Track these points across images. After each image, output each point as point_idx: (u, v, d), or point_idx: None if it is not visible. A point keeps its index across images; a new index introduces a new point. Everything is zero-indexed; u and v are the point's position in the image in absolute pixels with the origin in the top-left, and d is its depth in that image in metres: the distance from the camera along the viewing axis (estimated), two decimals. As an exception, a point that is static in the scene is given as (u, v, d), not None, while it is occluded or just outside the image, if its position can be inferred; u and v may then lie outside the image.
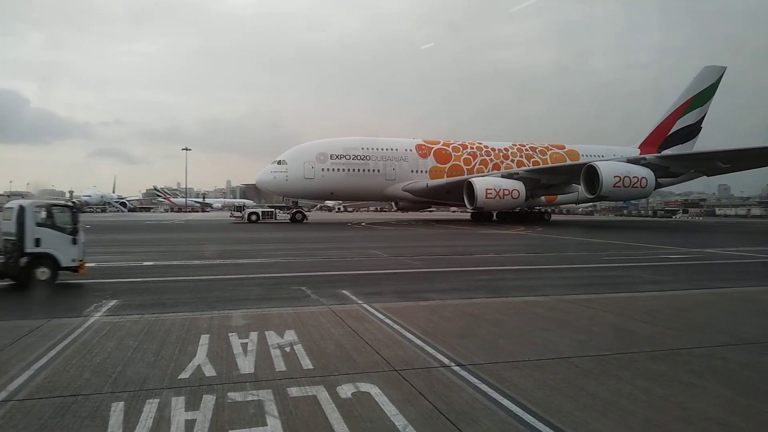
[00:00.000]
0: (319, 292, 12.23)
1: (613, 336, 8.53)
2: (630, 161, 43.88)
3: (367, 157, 50.61)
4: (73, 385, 5.94)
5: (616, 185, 40.73)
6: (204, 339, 7.88)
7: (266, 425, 4.94)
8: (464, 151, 55.04)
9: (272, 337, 7.98)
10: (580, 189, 44.88)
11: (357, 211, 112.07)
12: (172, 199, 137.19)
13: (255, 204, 75.67)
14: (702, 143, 62.98)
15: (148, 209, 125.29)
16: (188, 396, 5.62)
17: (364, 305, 10.60)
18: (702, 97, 61.86)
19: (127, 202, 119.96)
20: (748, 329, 9.18)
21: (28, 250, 12.04)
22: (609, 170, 41.13)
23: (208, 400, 5.50)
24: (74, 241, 12.62)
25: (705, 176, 53.13)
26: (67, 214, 13.04)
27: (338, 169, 49.38)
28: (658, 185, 49.80)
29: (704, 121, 63.08)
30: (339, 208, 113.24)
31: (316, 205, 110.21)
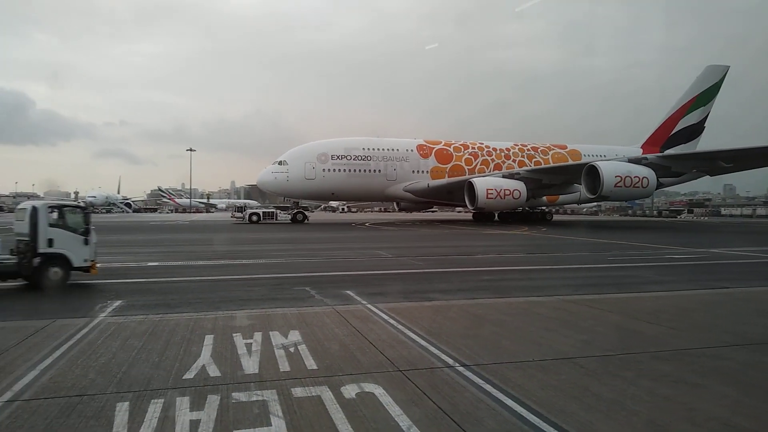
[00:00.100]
0: (323, 292, 12.24)
1: (617, 336, 8.52)
2: (631, 161, 43.72)
3: (368, 158, 50.57)
4: (78, 386, 5.96)
5: (617, 185, 40.60)
6: (208, 339, 7.90)
7: (270, 425, 4.95)
8: (465, 152, 54.96)
9: (276, 338, 7.99)
10: (582, 189, 44.75)
11: (361, 212, 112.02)
12: (176, 200, 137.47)
13: (259, 204, 75.79)
14: (710, 141, 62.76)
15: (153, 210, 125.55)
16: (193, 396, 5.64)
17: (368, 306, 10.61)
18: (705, 97, 61.61)
19: (131, 203, 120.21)
20: (753, 329, 9.15)
21: (40, 251, 12.17)
22: (610, 170, 41.00)
23: (213, 401, 5.51)
24: (86, 242, 12.75)
25: (708, 176, 52.92)
26: (79, 215, 13.18)
27: (339, 170, 49.35)
28: (659, 185, 49.61)
29: (708, 119, 62.88)
30: (343, 209, 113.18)
31: (320, 206, 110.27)
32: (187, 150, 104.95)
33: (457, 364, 6.79)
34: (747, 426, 5.08)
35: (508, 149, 57.22)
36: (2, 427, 4.93)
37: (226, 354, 7.18)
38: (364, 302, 10.97)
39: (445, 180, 51.67)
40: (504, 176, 49.00)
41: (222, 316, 9.59)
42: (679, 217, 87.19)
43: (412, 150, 52.67)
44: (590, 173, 41.68)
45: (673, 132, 62.00)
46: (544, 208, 60.15)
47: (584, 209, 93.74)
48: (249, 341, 7.78)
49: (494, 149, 56.49)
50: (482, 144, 56.76)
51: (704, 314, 10.63)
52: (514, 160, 56.22)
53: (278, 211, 54.12)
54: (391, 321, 9.23)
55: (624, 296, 12.44)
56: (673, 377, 6.40)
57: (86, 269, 12.77)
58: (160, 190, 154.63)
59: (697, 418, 5.22)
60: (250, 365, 6.71)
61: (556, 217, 65.93)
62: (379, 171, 50.77)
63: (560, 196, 54.72)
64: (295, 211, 52.04)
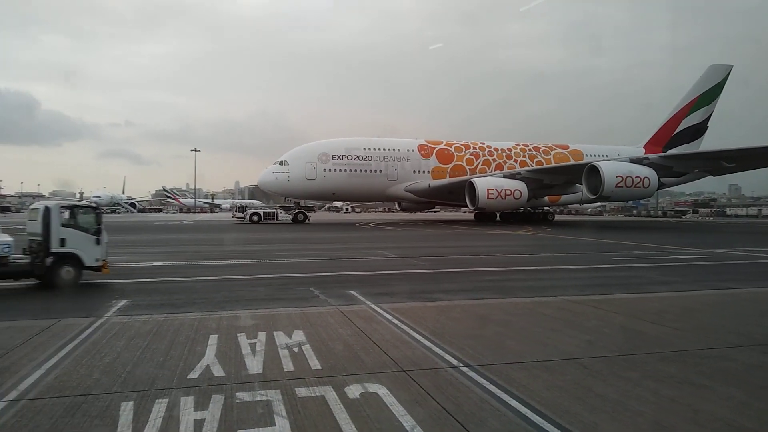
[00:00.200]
0: (327, 292, 12.25)
1: (622, 337, 8.49)
2: (633, 161, 43.59)
3: (369, 158, 50.52)
4: (83, 385, 5.98)
5: (618, 185, 40.49)
6: (213, 339, 7.91)
7: (275, 425, 4.95)
8: (467, 152, 54.87)
9: (280, 338, 8.00)
10: (583, 189, 44.64)
11: (365, 212, 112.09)
12: (181, 200, 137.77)
13: (263, 204, 75.93)
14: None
15: (158, 210, 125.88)
16: (197, 396, 5.65)
17: (372, 306, 10.61)
18: (708, 96, 61.32)
19: (136, 203, 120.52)
20: (758, 330, 9.11)
21: (53, 250, 12.31)
22: (611, 170, 40.89)
23: (217, 400, 5.52)
24: (98, 242, 12.89)
25: (711, 176, 52.77)
26: (91, 215, 13.31)
27: (340, 170, 49.33)
28: (661, 185, 49.46)
29: (714, 118, 62.62)
30: (347, 209, 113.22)
31: (324, 206, 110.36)
32: (192, 150, 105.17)
33: (461, 365, 6.79)
34: (752, 427, 5.06)
35: (509, 149, 57.11)
36: (8, 426, 4.96)
37: (230, 354, 7.19)
38: (368, 302, 10.98)
39: (446, 180, 51.61)
40: (505, 176, 48.90)
41: (226, 316, 9.60)
42: (683, 217, 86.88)
43: (413, 150, 52.62)
44: (591, 173, 41.59)
45: (676, 132, 61.75)
46: (548, 208, 60.06)
47: (588, 209, 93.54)
48: (253, 341, 7.79)
49: (495, 149, 56.40)
50: (483, 144, 56.68)
51: (709, 315, 10.59)
52: (515, 160, 56.09)
53: (279, 211, 54.16)
54: (395, 321, 9.23)
55: (629, 297, 12.40)
56: (678, 378, 6.38)
57: (98, 269, 12.91)
58: (164, 190, 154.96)
59: (702, 420, 5.20)
60: (255, 365, 6.72)
61: (560, 218, 65.79)
62: (380, 171, 50.73)
63: (562, 196, 54.61)
64: (296, 211, 52.04)
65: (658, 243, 28.78)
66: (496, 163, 55.21)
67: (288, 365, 6.73)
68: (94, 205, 15.22)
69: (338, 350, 7.47)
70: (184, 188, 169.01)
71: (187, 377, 6.27)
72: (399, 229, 44.04)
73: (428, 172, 52.25)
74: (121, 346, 7.64)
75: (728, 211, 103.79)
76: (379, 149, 51.36)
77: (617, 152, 56.20)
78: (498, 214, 54.37)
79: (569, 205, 74.29)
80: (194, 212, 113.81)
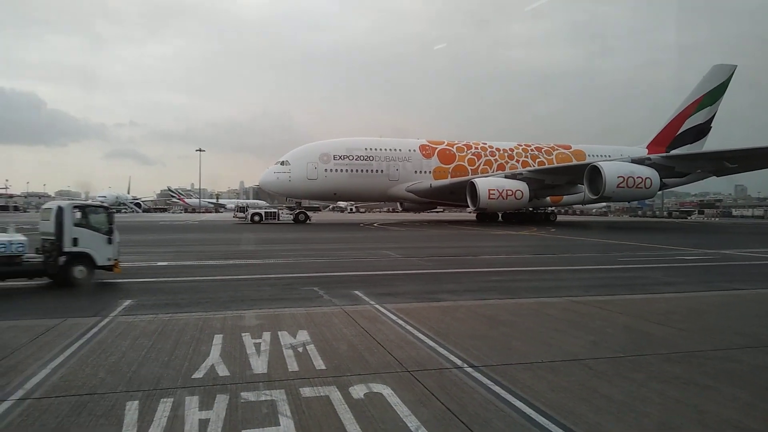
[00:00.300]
0: (331, 292, 12.25)
1: (627, 338, 8.46)
2: (634, 161, 43.48)
3: (371, 158, 50.50)
4: (89, 384, 6.01)
5: (620, 185, 40.38)
6: (217, 339, 7.93)
7: (279, 425, 4.96)
8: (468, 152, 54.77)
9: (285, 338, 8.01)
10: (585, 189, 44.56)
11: (370, 212, 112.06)
12: (186, 200, 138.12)
13: (268, 205, 75.97)
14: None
15: (163, 210, 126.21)
16: (202, 395, 5.66)
17: (377, 306, 10.61)
18: (712, 96, 61.03)
19: (141, 203, 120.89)
20: (764, 331, 9.08)
21: (66, 250, 12.48)
22: (612, 170, 40.78)
23: (222, 400, 5.53)
24: (109, 241, 13.05)
25: (715, 176, 52.60)
26: (103, 214, 13.46)
27: (341, 170, 49.35)
28: (663, 186, 49.29)
29: (719, 118, 62.37)
30: (351, 209, 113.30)
31: (329, 206, 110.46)
32: (197, 150, 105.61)
33: (466, 365, 6.78)
34: (758, 428, 5.04)
35: (511, 149, 57.01)
36: (14, 424, 4.98)
37: (235, 353, 7.21)
38: (372, 302, 10.98)
39: (448, 180, 51.54)
40: (506, 176, 48.81)
41: (231, 316, 9.62)
42: (689, 218, 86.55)
43: (414, 150, 52.59)
44: (593, 174, 41.52)
45: (680, 132, 61.47)
46: (553, 208, 59.94)
47: (593, 210, 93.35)
48: (258, 341, 7.81)
49: (497, 149, 56.30)
50: (485, 144, 56.59)
51: (715, 316, 10.55)
52: (517, 161, 55.97)
53: (280, 211, 54.30)
54: (400, 321, 9.23)
55: (634, 298, 12.36)
56: (683, 379, 6.35)
57: (109, 268, 13.08)
58: (169, 190, 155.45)
59: (708, 421, 5.18)
60: (259, 365, 6.73)
61: (564, 218, 65.66)
62: (382, 171, 50.71)
63: (564, 196, 54.49)
64: (298, 211, 52.09)
65: (664, 244, 28.69)
66: (498, 163, 55.10)
67: (292, 365, 6.74)
68: (106, 204, 15.38)
69: (342, 350, 7.47)
70: (189, 188, 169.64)
71: (192, 377, 6.28)
72: (403, 229, 44.03)
73: (430, 172, 52.20)
74: (127, 345, 7.67)
75: (734, 212, 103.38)
76: (381, 149, 51.37)
77: (620, 152, 56.08)
78: (500, 215, 54.36)
79: (574, 206, 74.19)
80: (199, 212, 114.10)
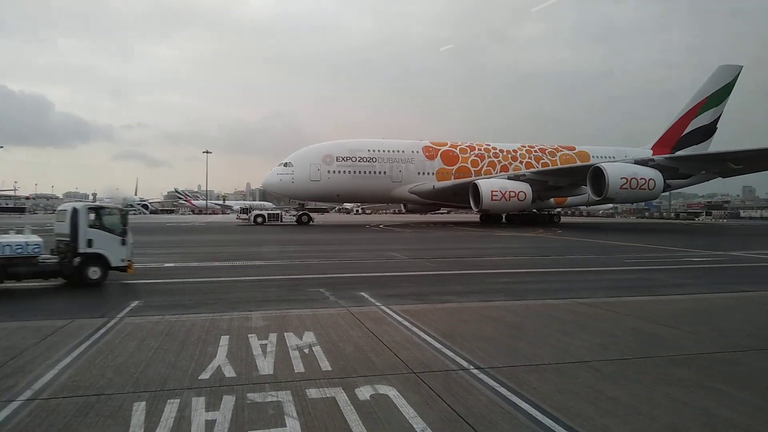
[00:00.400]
0: (337, 293, 12.27)
1: (634, 340, 8.42)
2: (638, 162, 43.34)
3: (373, 159, 50.52)
4: (96, 385, 6.04)
5: (623, 187, 40.28)
6: (224, 340, 7.95)
7: (285, 426, 4.97)
8: (472, 153, 54.69)
9: (291, 339, 8.02)
10: (589, 191, 44.40)
11: (375, 213, 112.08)
12: (193, 202, 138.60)
13: (274, 206, 76.16)
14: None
15: (170, 211, 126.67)
16: (208, 396, 5.68)
17: (383, 307, 10.61)
18: (717, 97, 60.66)
19: (149, 204, 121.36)
20: (773, 334, 8.99)
21: (80, 251, 12.68)
22: (615, 172, 40.66)
23: (228, 401, 5.54)
24: (123, 242, 13.24)
25: (720, 177, 52.34)
26: (117, 216, 13.63)
27: (344, 171, 49.37)
28: (667, 187, 49.04)
29: (723, 120, 61.97)
30: (357, 210, 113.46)
31: (335, 207, 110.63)
32: (204, 152, 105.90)
33: (472, 367, 6.77)
34: (767, 432, 5.00)
35: (515, 151, 56.88)
36: (22, 424, 5.01)
37: (241, 355, 7.22)
38: (378, 304, 10.98)
39: (451, 182, 51.48)
40: (509, 178, 48.76)
41: (237, 317, 9.65)
42: (697, 219, 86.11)
43: (417, 151, 52.55)
44: (596, 175, 41.40)
45: (685, 133, 61.13)
46: (559, 209, 59.75)
47: (600, 211, 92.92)
48: (264, 342, 7.82)
49: (501, 151, 56.20)
50: (489, 146, 56.49)
51: (723, 318, 10.48)
52: (521, 162, 55.82)
53: (284, 212, 54.46)
54: (405, 323, 9.22)
55: (641, 299, 12.29)
56: (691, 382, 6.32)
57: (123, 269, 13.27)
58: (176, 191, 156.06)
59: (716, 424, 5.14)
60: (265, 366, 6.74)
61: (570, 220, 65.43)
62: (384, 173, 50.70)
63: (568, 198, 54.30)
64: (300, 213, 52.17)
65: (671, 245, 28.54)
66: (501, 164, 54.99)
67: (299, 366, 6.75)
68: (120, 206, 15.53)
69: (348, 352, 7.48)
70: (196, 190, 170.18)
71: (199, 378, 6.30)
72: (408, 230, 44.01)
73: (433, 173, 52.18)
74: (134, 346, 7.70)
75: (742, 213, 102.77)
76: (384, 151, 51.37)
77: (624, 153, 55.95)
78: (503, 216, 54.25)
79: (580, 208, 73.96)
80: (206, 213, 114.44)
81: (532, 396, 5.75)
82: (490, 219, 54.84)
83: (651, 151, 58.38)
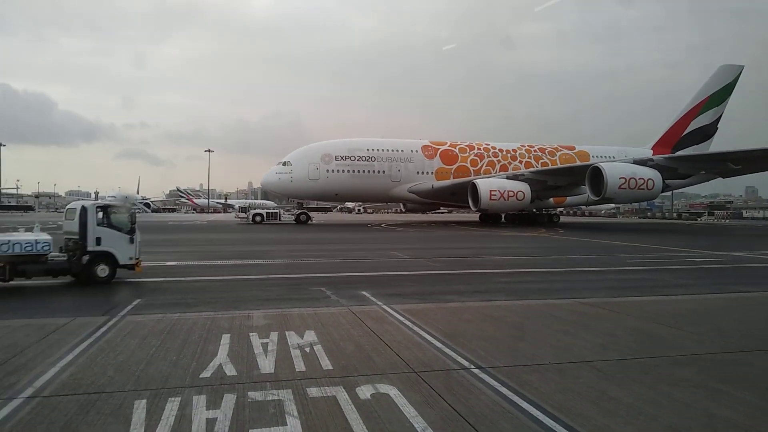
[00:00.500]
0: (338, 293, 12.26)
1: (636, 340, 8.40)
2: (637, 162, 43.28)
3: (372, 158, 50.46)
4: (97, 383, 6.04)
5: (622, 187, 40.22)
6: (225, 338, 7.95)
7: (286, 425, 4.96)
8: (471, 153, 54.64)
9: (292, 338, 8.02)
10: (587, 190, 44.34)
11: (377, 213, 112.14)
12: (194, 200, 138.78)
13: (275, 205, 76.24)
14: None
15: (172, 210, 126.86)
16: (209, 395, 5.68)
17: (384, 306, 10.60)
18: (718, 97, 60.49)
19: (150, 203, 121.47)
20: (776, 335, 8.97)
21: (89, 249, 12.80)
22: (614, 172, 40.61)
23: (229, 399, 5.54)
24: (131, 240, 13.35)
25: (721, 178, 52.23)
26: (125, 214, 13.71)
27: (343, 170, 49.33)
28: (666, 187, 48.93)
29: (721, 120, 61.76)
30: (359, 210, 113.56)
31: (337, 206, 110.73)
32: (206, 151, 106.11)
33: (473, 367, 6.76)
34: (769, 433, 4.99)
35: (514, 150, 56.83)
36: (24, 422, 5.02)
37: (242, 353, 7.23)
38: (379, 303, 10.97)
39: (450, 181, 51.44)
40: (508, 177, 48.72)
41: (239, 316, 9.65)
42: (699, 219, 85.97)
43: (416, 151, 52.51)
44: (594, 175, 41.34)
45: (685, 133, 60.98)
46: (561, 209, 59.70)
47: (602, 211, 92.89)
48: (265, 341, 7.82)
49: (500, 150, 56.14)
50: (488, 145, 56.43)
51: (725, 318, 10.45)
52: (520, 162, 55.77)
53: (282, 211, 54.52)
54: (407, 322, 9.22)
55: (643, 299, 12.27)
56: (693, 382, 6.30)
57: (131, 267, 13.38)
58: (178, 190, 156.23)
59: (718, 425, 5.13)
60: (266, 365, 6.74)
61: (572, 219, 65.35)
62: (383, 172, 50.63)
63: (567, 197, 54.28)
64: (299, 212, 52.15)
65: (673, 245, 28.49)
66: (501, 164, 54.95)
67: (300, 365, 6.75)
68: (128, 205, 15.61)
69: (350, 351, 7.47)
70: (198, 189, 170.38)
71: (200, 376, 6.30)
72: (410, 230, 44.01)
73: (432, 173, 52.12)
74: (135, 344, 7.70)
75: (745, 214, 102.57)
76: (383, 150, 51.30)
77: (624, 153, 55.90)
78: (503, 216, 54.20)
79: (582, 207, 73.84)
80: (208, 212, 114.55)
81: (534, 396, 5.74)
82: (490, 218, 54.89)
83: (651, 151, 58.27)
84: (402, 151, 51.95)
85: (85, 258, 12.76)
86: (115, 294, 12.18)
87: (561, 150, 58.48)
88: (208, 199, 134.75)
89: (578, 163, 53.67)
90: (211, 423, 4.99)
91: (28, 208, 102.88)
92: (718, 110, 61.02)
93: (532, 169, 51.94)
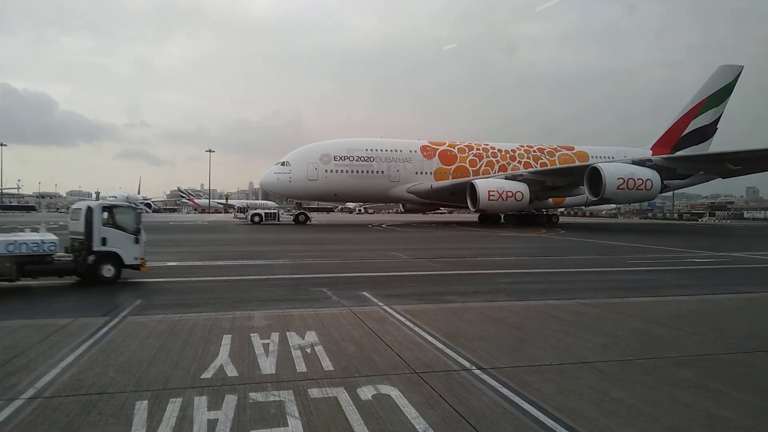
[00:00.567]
0: (339, 293, 12.26)
1: (637, 341, 8.40)
2: (635, 163, 43.28)
3: (371, 159, 50.43)
4: (99, 384, 6.05)
5: (620, 187, 40.23)
6: (226, 339, 7.96)
7: (287, 426, 4.97)
8: (470, 153, 54.59)
9: (293, 338, 8.02)
10: (586, 191, 44.27)
11: (378, 213, 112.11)
12: (195, 201, 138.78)
13: (276, 205, 76.26)
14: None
15: (173, 210, 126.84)
16: (210, 396, 5.68)
17: (385, 307, 10.60)
18: (717, 97, 60.41)
19: (151, 203, 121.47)
20: (777, 335, 8.97)
21: (95, 249, 12.83)
22: (612, 172, 40.61)
23: (230, 400, 5.55)
24: (137, 241, 13.37)
25: (720, 178, 52.18)
26: (131, 215, 13.76)
27: (342, 171, 49.30)
28: (665, 187, 48.88)
29: (721, 121, 61.70)
30: (360, 210, 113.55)
31: (338, 207, 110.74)
32: (207, 151, 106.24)
33: (474, 367, 6.76)
34: (770, 434, 4.99)
35: (513, 150, 56.78)
36: (25, 423, 5.02)
37: (243, 354, 7.23)
38: (380, 304, 10.97)
39: (448, 181, 51.40)
40: (507, 178, 48.70)
41: (240, 317, 9.65)
42: (700, 220, 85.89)
43: (415, 151, 52.44)
44: (593, 175, 41.35)
45: (685, 133, 60.88)
46: (561, 210, 59.66)
47: (603, 212, 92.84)
48: (266, 341, 7.83)
49: (499, 150, 56.10)
50: (487, 145, 56.38)
51: (726, 319, 10.46)
52: (519, 162, 55.71)
53: (280, 212, 54.51)
54: (408, 323, 9.22)
55: (644, 300, 12.27)
56: (693, 383, 6.30)
57: (136, 267, 13.39)
58: (179, 190, 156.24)
59: (718, 426, 5.13)
60: (267, 365, 6.74)
61: (572, 220, 65.32)
62: (382, 172, 50.60)
63: (566, 198, 54.26)
64: (298, 212, 52.12)
65: (674, 246, 28.48)
66: (500, 164, 54.89)
67: (301, 366, 6.75)
68: (133, 205, 15.62)
69: (351, 351, 7.48)
70: (199, 189, 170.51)
71: (201, 377, 6.31)
72: (411, 230, 44.01)
73: (431, 173, 52.08)
74: (136, 345, 7.71)
75: (745, 214, 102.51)
76: (381, 150, 51.25)
77: (623, 153, 55.88)
78: (502, 216, 54.17)
79: (582, 208, 73.78)
80: (209, 212, 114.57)
81: (535, 397, 5.74)
82: (489, 219, 54.87)
83: (651, 152, 58.24)
84: (401, 151, 51.91)
85: (91, 258, 12.79)
86: (116, 294, 12.17)
87: (560, 150, 58.45)
88: (209, 199, 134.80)
89: (577, 163, 53.63)
90: (212, 424, 5.00)
91: (30, 209, 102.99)
92: (717, 110, 60.95)
93: (530, 170, 51.93)
